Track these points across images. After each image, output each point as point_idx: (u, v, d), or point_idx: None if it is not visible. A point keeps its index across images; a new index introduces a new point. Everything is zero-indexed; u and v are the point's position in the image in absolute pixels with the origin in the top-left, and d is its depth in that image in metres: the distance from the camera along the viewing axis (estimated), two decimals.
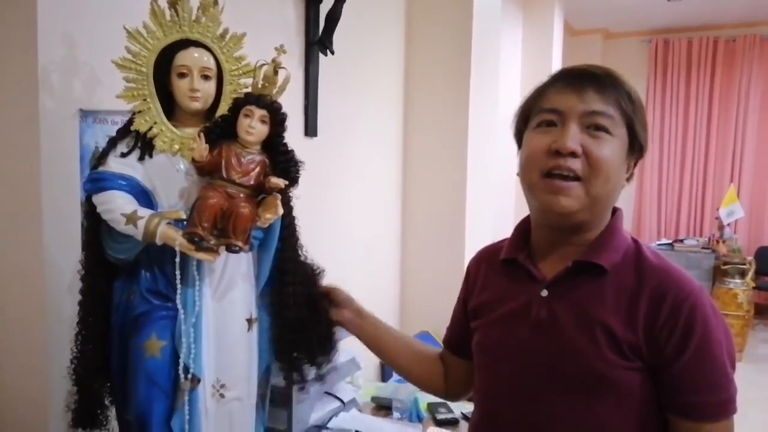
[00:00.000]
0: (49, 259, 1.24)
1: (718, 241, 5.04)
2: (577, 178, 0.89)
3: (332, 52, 2.20)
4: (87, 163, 1.24)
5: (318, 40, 2.16)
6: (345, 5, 2.17)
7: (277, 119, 1.04)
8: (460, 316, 1.15)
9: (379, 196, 2.78)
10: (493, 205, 3.26)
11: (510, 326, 0.98)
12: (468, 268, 1.15)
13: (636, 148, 0.93)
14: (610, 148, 0.89)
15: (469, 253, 2.90)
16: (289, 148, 1.07)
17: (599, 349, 0.87)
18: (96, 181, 1.03)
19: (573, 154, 0.88)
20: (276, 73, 1.04)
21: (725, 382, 0.86)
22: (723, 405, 0.86)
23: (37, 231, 1.23)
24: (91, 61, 1.25)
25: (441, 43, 2.82)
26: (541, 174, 0.91)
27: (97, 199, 1.03)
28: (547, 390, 0.92)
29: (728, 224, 5.11)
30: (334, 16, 2.17)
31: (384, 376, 2.65)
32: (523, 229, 1.04)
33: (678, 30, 5.90)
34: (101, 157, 1.05)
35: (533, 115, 0.95)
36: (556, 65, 4.55)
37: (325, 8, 2.18)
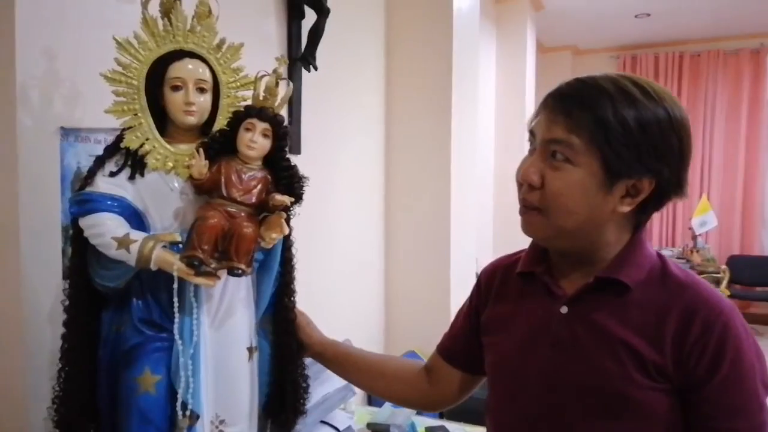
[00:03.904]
0: (27, 288, 1.15)
1: (692, 251, 5.11)
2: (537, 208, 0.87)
3: (315, 68, 2.15)
4: (68, 184, 1.16)
5: (301, 56, 2.11)
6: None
7: (279, 133, 0.98)
8: (464, 326, 1.10)
9: (363, 214, 2.73)
10: (476, 220, 3.24)
11: (528, 345, 0.93)
12: (479, 278, 1.10)
13: (623, 172, 0.82)
14: (566, 181, 0.83)
15: (454, 270, 2.87)
16: (292, 163, 1.01)
17: (624, 369, 0.83)
18: (83, 203, 0.95)
19: (531, 186, 0.86)
20: (277, 84, 0.99)
21: (757, 408, 0.82)
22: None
23: (14, 258, 1.14)
24: (73, 76, 1.18)
25: (421, 58, 2.80)
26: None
27: (84, 222, 0.95)
28: (568, 413, 0.87)
29: (700, 234, 5.19)
30: (317, 32, 2.13)
31: (372, 400, 2.58)
32: None
33: (645, 46, 6.03)
34: (88, 176, 0.97)
35: None
36: (530, 82, 4.59)
37: (306, 24, 2.14)
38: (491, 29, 4.39)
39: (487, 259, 4.12)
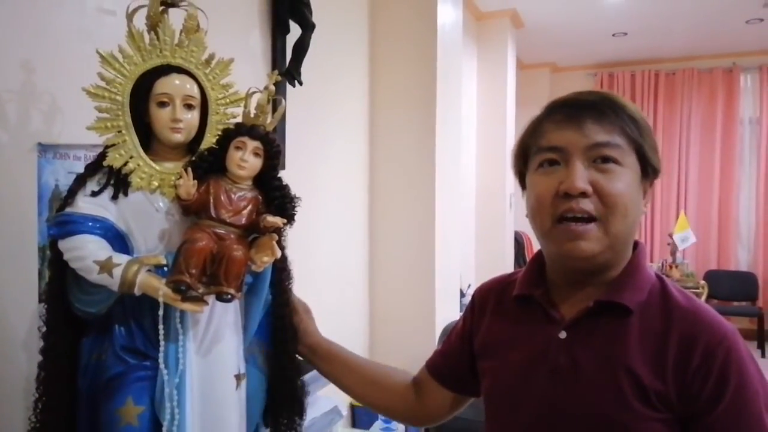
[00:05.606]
0: (0, 312, 1.09)
1: (671, 266, 5.16)
2: (592, 219, 0.83)
3: (300, 83, 2.12)
4: (46, 203, 1.12)
5: (286, 71, 2.08)
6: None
7: (271, 152, 0.95)
8: (456, 346, 1.07)
9: (347, 230, 2.69)
10: (459, 236, 3.22)
11: (526, 372, 0.90)
12: (473, 298, 1.07)
13: (649, 172, 0.88)
14: (623, 181, 0.84)
15: (439, 286, 2.84)
16: (284, 183, 0.97)
17: (625, 398, 0.80)
18: (63, 224, 0.90)
19: (583, 194, 0.82)
20: (269, 101, 0.96)
21: None
22: None
23: None
24: (52, 90, 1.14)
25: (406, 73, 2.80)
26: (554, 220, 0.85)
27: (64, 244, 0.90)
28: None
29: (682, 249, 5.24)
30: (302, 47, 2.10)
31: (355, 421, 2.53)
32: (539, 263, 0.97)
33: (622, 64, 6.12)
34: (69, 196, 0.92)
35: (532, 155, 0.90)
36: (511, 98, 4.62)
37: (291, 38, 2.12)
38: (473, 46, 4.42)
39: (469, 275, 4.09)
